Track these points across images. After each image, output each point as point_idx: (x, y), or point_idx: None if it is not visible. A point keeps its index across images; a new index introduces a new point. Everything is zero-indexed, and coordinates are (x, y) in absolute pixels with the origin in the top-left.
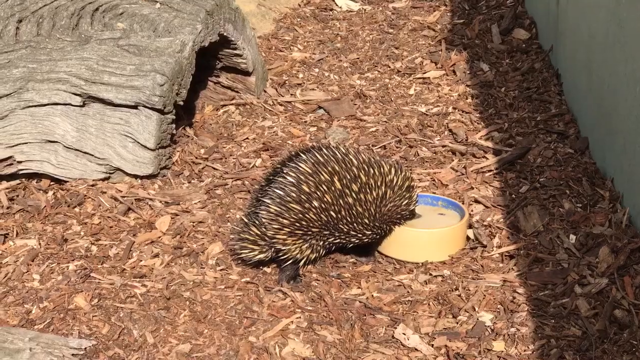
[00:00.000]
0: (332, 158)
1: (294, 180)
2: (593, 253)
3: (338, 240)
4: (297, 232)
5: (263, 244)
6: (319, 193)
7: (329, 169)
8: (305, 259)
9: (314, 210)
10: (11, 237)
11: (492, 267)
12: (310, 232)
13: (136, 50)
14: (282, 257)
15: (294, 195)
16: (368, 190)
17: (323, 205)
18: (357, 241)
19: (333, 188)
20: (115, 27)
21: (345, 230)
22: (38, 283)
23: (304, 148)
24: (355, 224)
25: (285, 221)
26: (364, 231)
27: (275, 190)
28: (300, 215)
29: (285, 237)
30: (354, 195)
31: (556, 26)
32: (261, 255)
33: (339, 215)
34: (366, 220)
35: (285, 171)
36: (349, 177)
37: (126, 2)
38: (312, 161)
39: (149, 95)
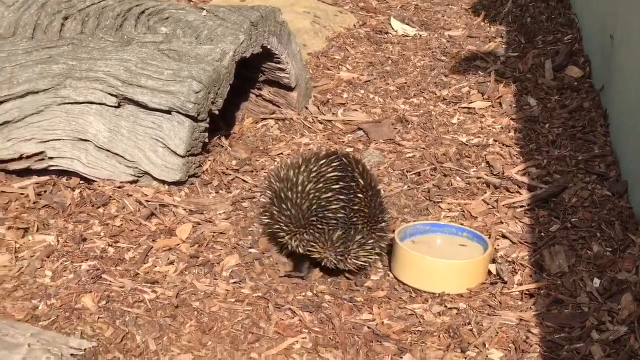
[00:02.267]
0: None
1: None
2: (616, 299)
3: None
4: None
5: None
6: None
7: None
8: None
9: None
10: (31, 232)
11: (510, 305)
12: None
13: (176, 56)
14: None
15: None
16: None
17: None
18: None
19: None
20: (159, 31)
21: None
22: (49, 280)
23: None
24: None
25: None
26: None
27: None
28: None
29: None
30: None
31: (609, 65)
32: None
33: None
34: None
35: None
36: None
37: (173, 7)
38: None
39: (183, 101)
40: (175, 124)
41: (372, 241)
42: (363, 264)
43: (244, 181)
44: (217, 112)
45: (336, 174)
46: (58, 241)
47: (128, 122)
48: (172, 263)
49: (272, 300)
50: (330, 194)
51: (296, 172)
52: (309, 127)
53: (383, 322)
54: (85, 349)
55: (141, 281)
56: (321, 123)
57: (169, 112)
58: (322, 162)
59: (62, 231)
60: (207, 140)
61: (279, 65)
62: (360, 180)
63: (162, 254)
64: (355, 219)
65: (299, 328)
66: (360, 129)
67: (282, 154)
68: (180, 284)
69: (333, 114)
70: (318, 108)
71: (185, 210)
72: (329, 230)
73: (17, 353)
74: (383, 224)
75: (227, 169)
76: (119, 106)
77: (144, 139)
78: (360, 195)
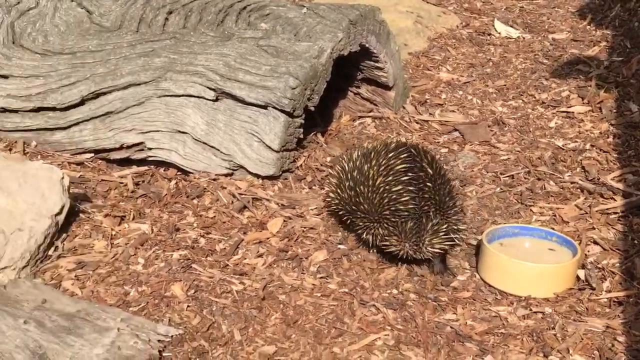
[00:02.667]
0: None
1: None
2: None
3: None
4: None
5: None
6: None
7: None
8: None
9: None
10: (127, 219)
11: (597, 312)
12: None
13: (274, 52)
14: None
15: None
16: None
17: None
18: None
19: None
20: (259, 27)
21: None
22: (141, 267)
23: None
24: None
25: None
26: None
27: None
28: None
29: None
30: None
31: None
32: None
33: None
34: None
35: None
36: None
37: (274, 4)
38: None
39: (279, 97)
40: (271, 118)
41: (445, 227)
42: (438, 250)
43: None
44: (312, 108)
45: (404, 165)
46: (152, 230)
47: (225, 116)
48: (261, 256)
49: (357, 296)
50: (400, 187)
51: (367, 165)
52: (405, 127)
53: (466, 323)
54: (172, 336)
55: (230, 272)
56: (417, 123)
57: (264, 107)
58: (390, 154)
59: (156, 220)
60: (302, 136)
61: (376, 64)
62: (429, 169)
63: (252, 246)
64: (426, 207)
65: (382, 325)
66: (456, 130)
67: None
68: (268, 277)
69: (430, 114)
70: (415, 107)
71: (277, 204)
72: (402, 222)
73: (107, 336)
74: (454, 209)
75: (321, 165)
76: (216, 100)
77: (240, 132)
78: (429, 184)
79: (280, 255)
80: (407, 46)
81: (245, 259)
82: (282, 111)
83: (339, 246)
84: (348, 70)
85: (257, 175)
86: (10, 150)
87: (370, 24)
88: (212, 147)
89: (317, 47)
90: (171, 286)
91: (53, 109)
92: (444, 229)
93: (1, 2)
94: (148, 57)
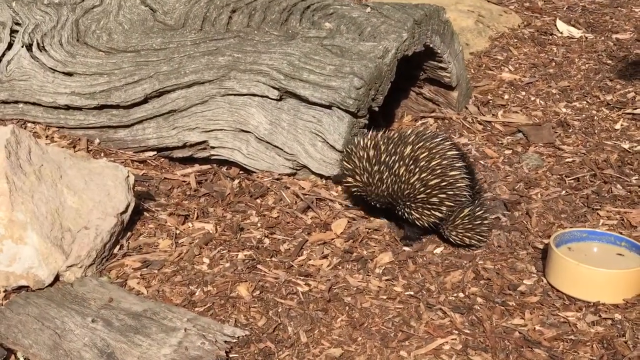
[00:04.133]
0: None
1: None
2: None
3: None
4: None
5: None
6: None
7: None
8: None
9: None
10: (191, 218)
11: None
12: None
13: (338, 51)
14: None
15: None
16: None
17: None
18: None
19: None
20: (323, 26)
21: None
22: (206, 267)
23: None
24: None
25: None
26: None
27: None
28: None
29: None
30: None
31: None
32: None
33: None
34: None
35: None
36: None
37: (338, 3)
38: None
39: (344, 97)
40: (335, 118)
41: (482, 212)
42: (482, 238)
43: None
44: (376, 109)
45: (454, 152)
46: (216, 229)
47: (288, 115)
48: (325, 257)
49: (423, 300)
50: (456, 172)
51: (409, 147)
52: (468, 127)
53: (534, 328)
54: (238, 337)
55: (295, 273)
56: (480, 123)
57: (329, 107)
58: (438, 139)
59: (220, 220)
60: None
61: (440, 64)
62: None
63: (317, 247)
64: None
65: (449, 329)
66: (519, 131)
67: None
68: (333, 278)
69: (492, 114)
70: (478, 108)
71: (341, 204)
72: (457, 208)
73: (174, 336)
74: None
75: None
76: (280, 99)
77: (303, 132)
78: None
79: (345, 257)
80: (468, 46)
81: (310, 260)
82: (347, 111)
83: (404, 248)
84: (411, 70)
85: (321, 175)
86: (73, 147)
87: (434, 23)
88: (275, 146)
89: (381, 47)
90: (237, 287)
91: (117, 106)
92: (484, 215)
93: (66, 0)
94: (212, 56)
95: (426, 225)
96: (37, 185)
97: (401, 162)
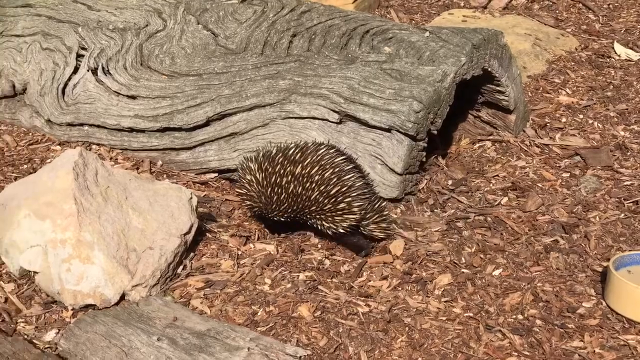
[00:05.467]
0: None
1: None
2: None
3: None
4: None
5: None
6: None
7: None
8: None
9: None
10: (253, 239)
11: None
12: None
13: (398, 75)
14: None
15: None
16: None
17: None
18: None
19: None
20: (382, 50)
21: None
22: (268, 287)
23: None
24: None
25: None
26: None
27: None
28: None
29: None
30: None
31: None
32: None
33: None
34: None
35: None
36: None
37: (397, 27)
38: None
39: (403, 120)
40: (394, 142)
41: (378, 203)
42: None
43: (459, 201)
44: (435, 132)
45: (342, 157)
46: (277, 250)
47: (348, 138)
48: (385, 278)
49: (482, 321)
50: (351, 174)
51: (300, 166)
52: (525, 150)
53: (594, 351)
54: (300, 357)
55: (355, 294)
56: (538, 147)
57: (388, 130)
58: (321, 150)
59: (281, 241)
60: (424, 159)
61: (498, 88)
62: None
63: (376, 268)
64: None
65: (509, 350)
66: (577, 154)
67: (497, 175)
68: (393, 299)
69: (550, 138)
70: (535, 131)
71: (400, 226)
72: (368, 204)
73: (238, 355)
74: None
75: (443, 188)
76: (340, 122)
77: (363, 155)
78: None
79: (405, 278)
80: (525, 69)
81: (370, 281)
82: (406, 134)
83: (463, 270)
84: (469, 94)
85: (381, 198)
86: (137, 169)
87: (493, 47)
88: None
89: (440, 71)
90: (298, 307)
91: (179, 129)
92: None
93: (130, 26)
94: (273, 80)
95: (342, 230)
96: (103, 206)
97: (296, 183)
